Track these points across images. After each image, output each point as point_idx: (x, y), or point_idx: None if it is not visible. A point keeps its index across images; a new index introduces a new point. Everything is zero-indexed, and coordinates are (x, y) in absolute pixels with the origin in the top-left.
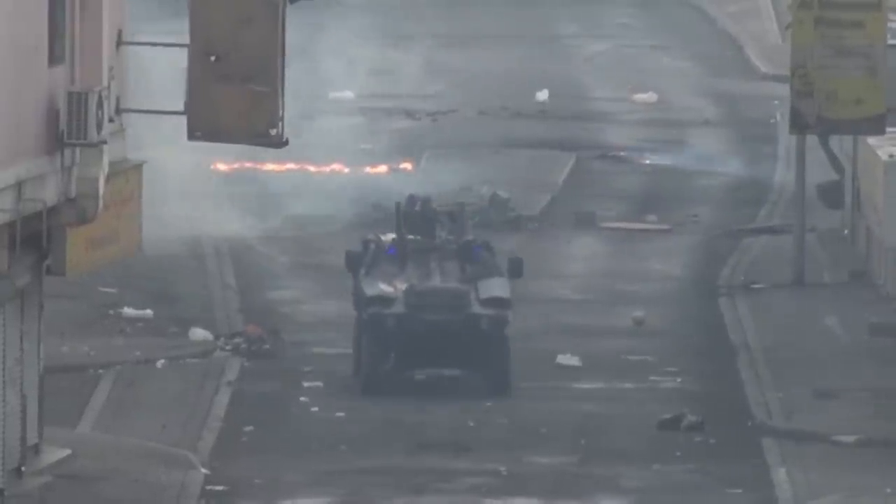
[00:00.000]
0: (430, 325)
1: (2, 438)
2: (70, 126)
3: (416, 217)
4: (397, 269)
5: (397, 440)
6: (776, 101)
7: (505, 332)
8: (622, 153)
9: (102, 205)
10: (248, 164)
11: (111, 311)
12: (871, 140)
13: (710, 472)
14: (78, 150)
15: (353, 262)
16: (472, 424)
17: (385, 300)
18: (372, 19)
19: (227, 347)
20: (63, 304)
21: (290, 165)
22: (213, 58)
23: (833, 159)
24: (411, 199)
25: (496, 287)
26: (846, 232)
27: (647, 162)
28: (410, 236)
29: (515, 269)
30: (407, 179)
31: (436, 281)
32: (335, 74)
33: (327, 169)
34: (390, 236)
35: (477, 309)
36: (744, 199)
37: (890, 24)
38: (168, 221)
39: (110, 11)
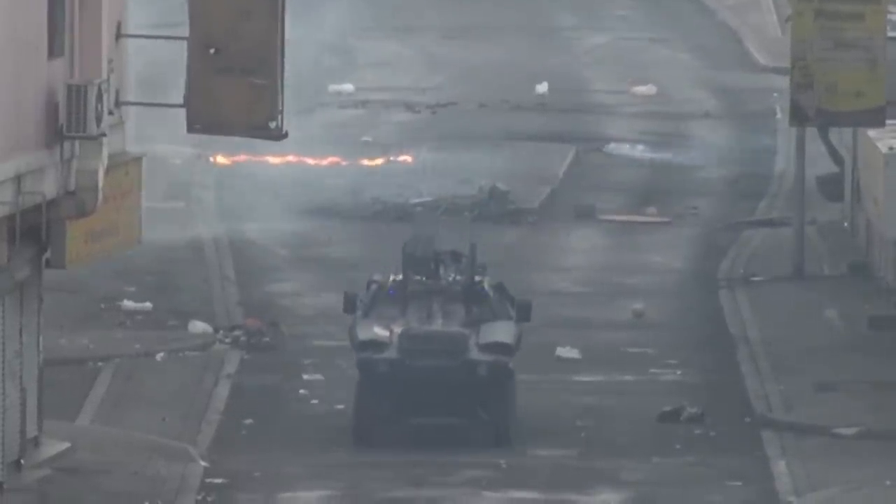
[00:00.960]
0: (423, 371)
1: (1, 431)
2: (69, 119)
3: (419, 257)
4: (398, 311)
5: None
6: (775, 94)
7: (506, 379)
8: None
9: (102, 197)
10: (247, 157)
11: (103, 305)
12: (871, 132)
13: (710, 465)
14: (77, 142)
15: (351, 304)
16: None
17: (378, 345)
18: (371, 12)
19: (227, 340)
20: (63, 297)
21: (290, 158)
22: (212, 50)
23: (833, 152)
24: (414, 239)
25: (499, 331)
26: (846, 224)
27: (648, 157)
28: (417, 277)
29: (524, 313)
30: (406, 172)
31: (436, 324)
32: (335, 67)
33: (326, 161)
34: (397, 277)
35: (475, 355)
36: (743, 191)
37: (889, 17)
38: (167, 214)
39: (109, 4)
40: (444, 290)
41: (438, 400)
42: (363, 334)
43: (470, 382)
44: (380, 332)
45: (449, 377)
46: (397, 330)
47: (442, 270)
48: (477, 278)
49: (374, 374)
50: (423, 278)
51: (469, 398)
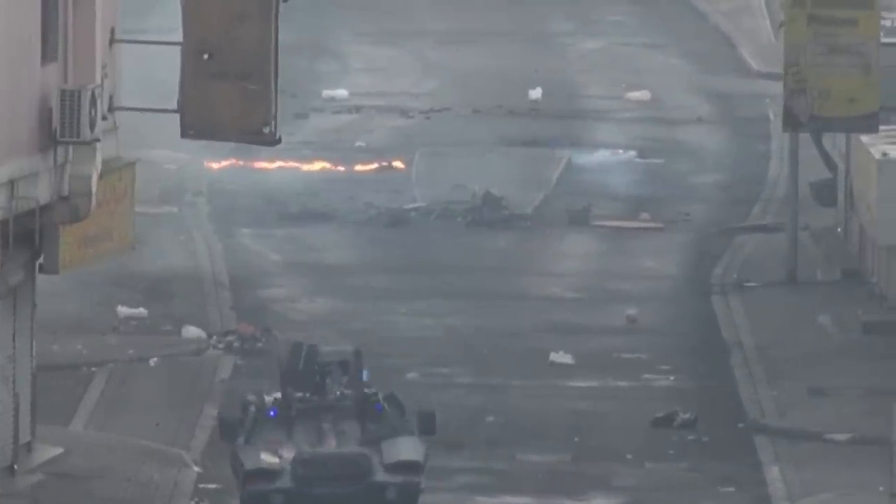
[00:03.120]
0: (325, 499)
1: None
2: (63, 124)
3: (302, 371)
4: (283, 434)
5: None
6: (767, 99)
7: (416, 500)
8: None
9: (95, 203)
10: (239, 162)
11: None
12: (865, 138)
13: (704, 470)
14: (71, 147)
15: (229, 430)
16: (465, 422)
17: (268, 474)
18: (365, 17)
19: (220, 346)
20: (56, 302)
21: (283, 163)
22: (206, 55)
23: (826, 157)
24: (296, 349)
25: (404, 448)
26: (839, 230)
27: (641, 162)
28: (298, 394)
29: (427, 425)
30: (399, 177)
31: (329, 446)
32: (329, 72)
33: (320, 166)
34: (275, 396)
35: (381, 476)
36: (737, 197)
37: (883, 22)
38: (161, 219)
39: (103, 9)
40: (334, 407)
41: None
42: (249, 463)
43: None
44: (268, 458)
45: (354, 503)
46: (287, 455)
47: (328, 384)
48: (368, 390)
49: None
50: (307, 395)
51: None
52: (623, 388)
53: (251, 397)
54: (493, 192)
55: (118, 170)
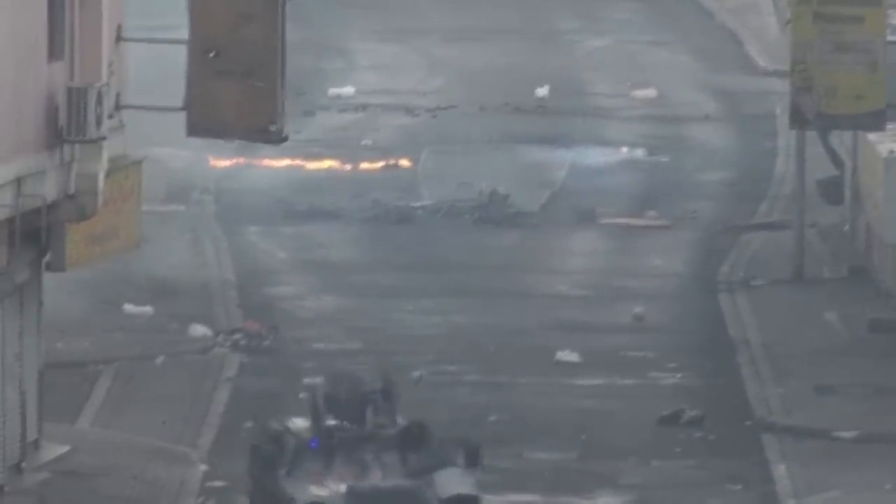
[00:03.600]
0: None
1: (1, 435)
2: (69, 122)
3: (341, 400)
4: (323, 465)
5: None
6: (774, 97)
7: None
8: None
9: (102, 201)
10: (246, 160)
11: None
12: (871, 136)
13: (710, 468)
14: (77, 146)
15: (267, 461)
16: (471, 420)
17: None
18: (371, 15)
19: (227, 343)
20: (63, 300)
21: (289, 161)
22: (212, 53)
23: (833, 155)
24: (334, 378)
25: (455, 482)
26: (846, 227)
27: (647, 158)
28: (332, 422)
29: (472, 458)
30: (406, 175)
31: (375, 477)
32: (335, 70)
33: (326, 164)
34: (299, 422)
35: None
36: (743, 194)
37: (889, 20)
38: (168, 217)
39: (110, 7)
40: (375, 437)
41: None
42: (301, 496)
43: None
44: (318, 492)
45: None
46: (335, 487)
47: (370, 414)
48: (402, 420)
49: None
50: (345, 424)
51: None
52: (629, 386)
53: (276, 425)
54: (500, 189)
55: (125, 168)
